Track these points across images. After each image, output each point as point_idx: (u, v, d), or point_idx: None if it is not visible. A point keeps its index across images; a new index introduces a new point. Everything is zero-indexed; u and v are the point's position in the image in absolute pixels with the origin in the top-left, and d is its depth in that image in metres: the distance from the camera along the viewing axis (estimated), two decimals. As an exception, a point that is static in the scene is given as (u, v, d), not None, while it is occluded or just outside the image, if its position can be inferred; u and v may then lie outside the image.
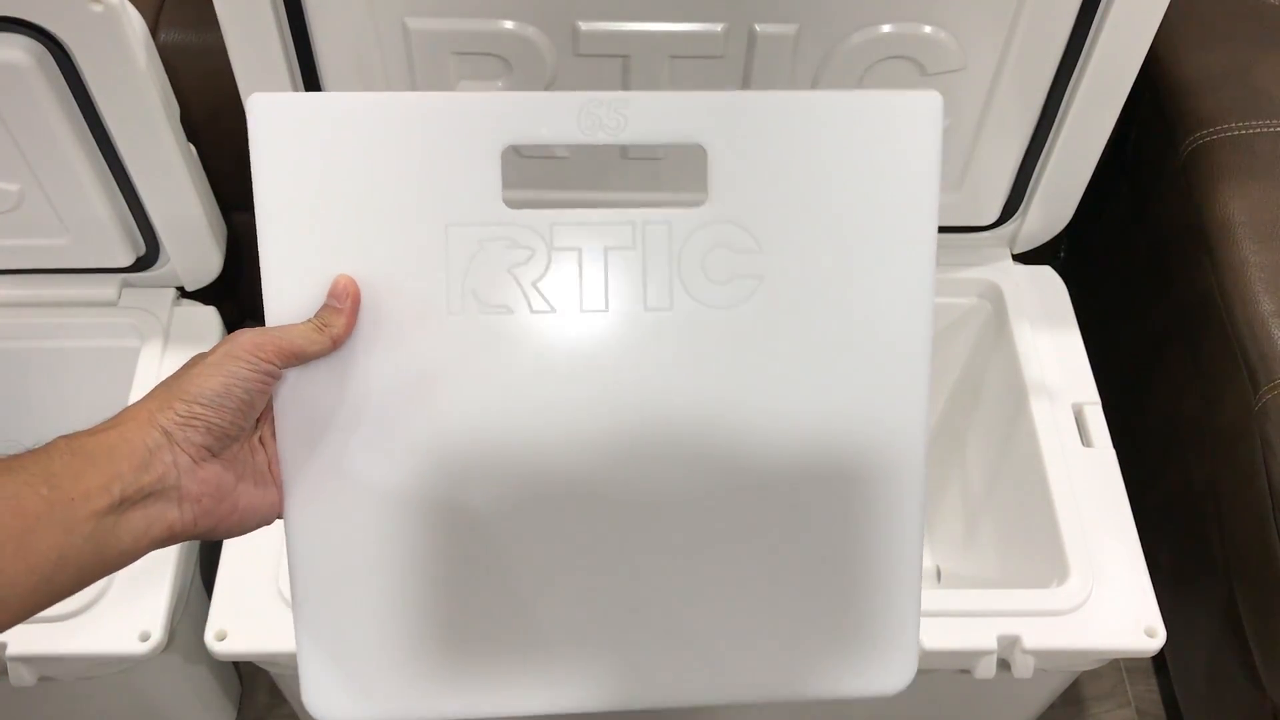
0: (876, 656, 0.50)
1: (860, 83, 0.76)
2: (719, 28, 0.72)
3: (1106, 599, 0.72)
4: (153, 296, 0.88)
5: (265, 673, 0.95)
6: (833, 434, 0.49)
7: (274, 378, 0.46)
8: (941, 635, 0.70)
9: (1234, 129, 0.90)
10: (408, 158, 0.47)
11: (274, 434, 0.48)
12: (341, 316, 0.47)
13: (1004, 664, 0.72)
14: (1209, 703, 0.96)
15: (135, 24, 0.71)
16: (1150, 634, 0.71)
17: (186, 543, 0.79)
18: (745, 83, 0.75)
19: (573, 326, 0.48)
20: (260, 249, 0.47)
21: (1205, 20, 0.96)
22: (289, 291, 0.47)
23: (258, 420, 0.48)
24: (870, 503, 0.49)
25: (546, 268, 0.47)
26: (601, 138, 0.46)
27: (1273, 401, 0.79)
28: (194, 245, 0.85)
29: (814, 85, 0.76)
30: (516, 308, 0.47)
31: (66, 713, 0.89)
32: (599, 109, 0.46)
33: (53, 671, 0.75)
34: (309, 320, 0.47)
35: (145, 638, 0.73)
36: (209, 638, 0.69)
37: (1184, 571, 0.93)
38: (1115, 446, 0.80)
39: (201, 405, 0.44)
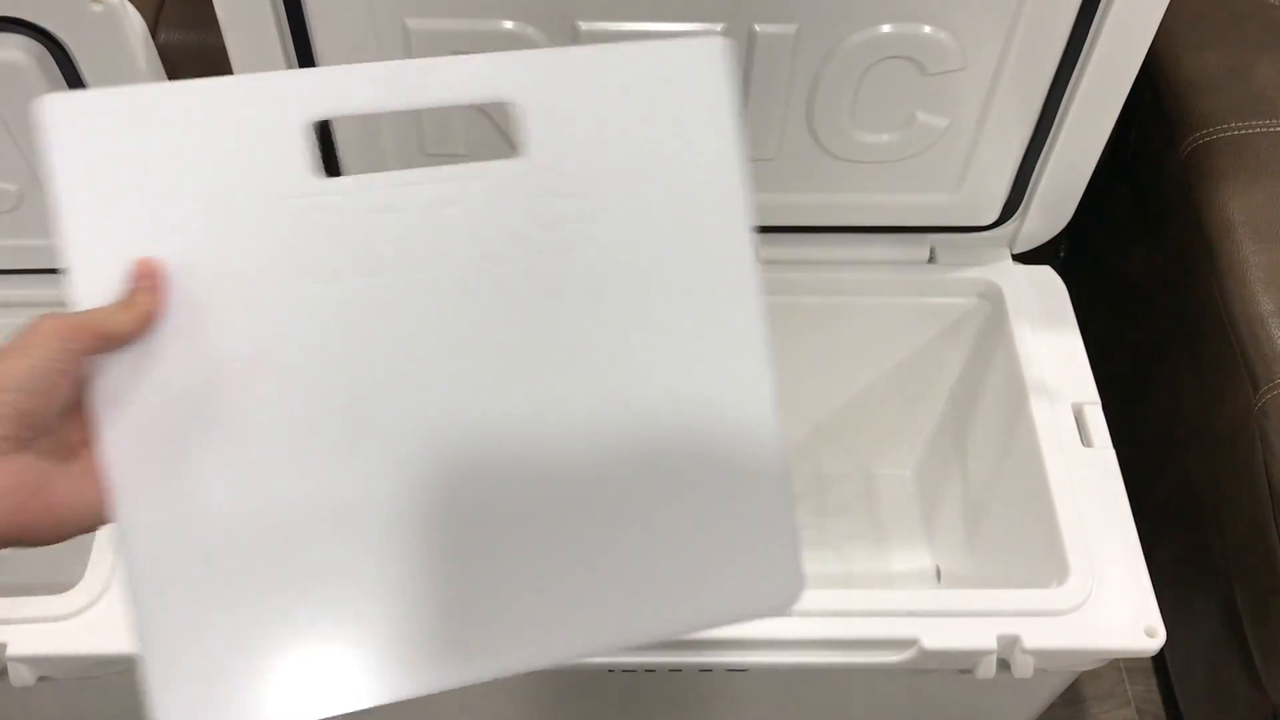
0: (763, 579, 0.51)
1: (861, 83, 0.76)
2: (719, 28, 0.72)
3: (1106, 599, 0.72)
4: (152, 296, 0.88)
5: (265, 673, 0.95)
6: (677, 371, 0.50)
7: (83, 362, 0.44)
8: (941, 635, 0.70)
9: (1234, 129, 0.90)
10: (211, 142, 0.46)
11: (92, 430, 0.46)
12: (147, 295, 0.45)
13: (1004, 664, 0.72)
14: (1209, 703, 0.96)
15: (135, 24, 0.71)
16: (1150, 634, 0.71)
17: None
18: (746, 83, 0.75)
19: (403, 287, 0.48)
20: (63, 250, 0.46)
21: (1205, 20, 0.96)
22: (96, 288, 0.45)
23: (69, 414, 0.45)
24: (726, 430, 0.50)
25: (371, 231, 0.47)
26: (405, 102, 0.47)
27: (1272, 401, 0.79)
28: (194, 245, 0.85)
29: (814, 85, 0.76)
30: (342, 275, 0.47)
31: (66, 713, 0.88)
32: (402, 76, 0.47)
33: (53, 671, 0.75)
34: (115, 302, 0.45)
35: (145, 638, 0.73)
36: (209, 638, 0.69)
37: (1184, 571, 0.93)
38: (1115, 446, 0.80)
39: (10, 391, 0.42)
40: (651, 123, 0.49)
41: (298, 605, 0.47)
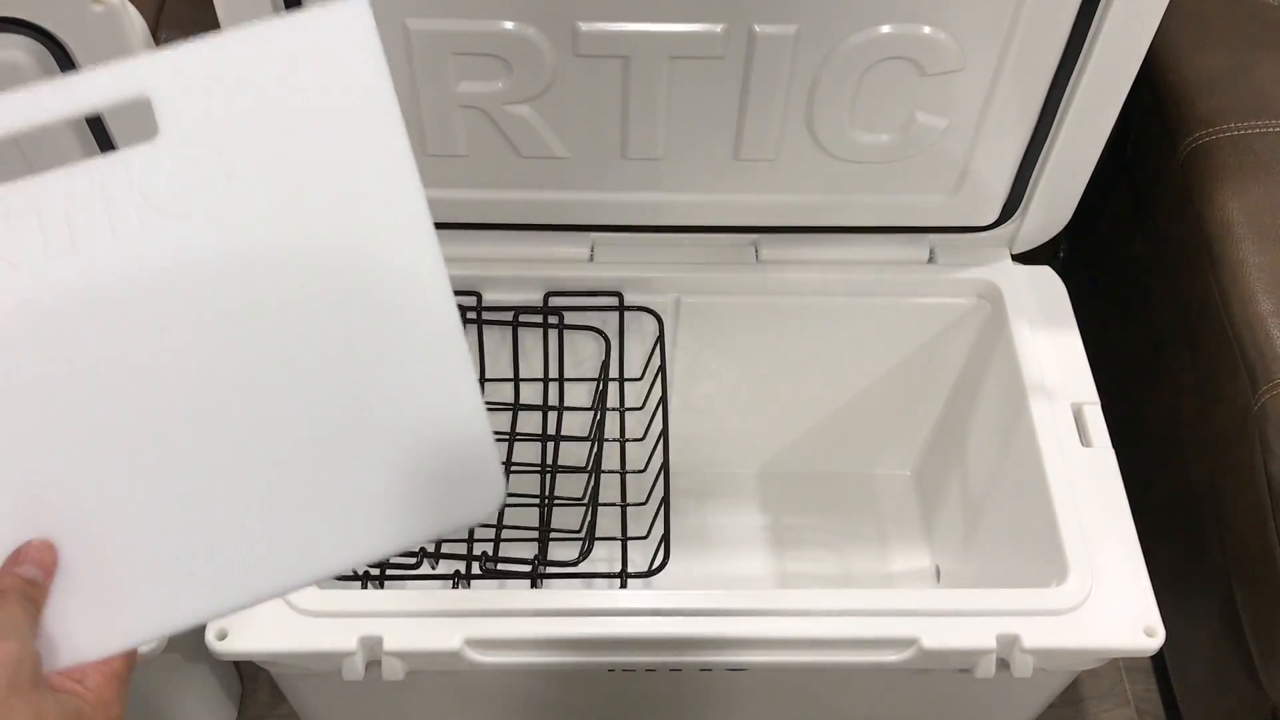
0: (462, 491, 0.51)
1: (860, 83, 0.76)
2: (719, 28, 0.72)
3: (1106, 598, 0.72)
4: (153, 296, 0.88)
5: (266, 672, 0.95)
6: (343, 317, 0.49)
7: None
8: (941, 635, 0.70)
9: (1234, 129, 0.90)
10: None
11: None
12: None
13: (1003, 663, 0.72)
14: (1208, 702, 0.96)
15: (135, 24, 0.72)
16: (1149, 633, 0.71)
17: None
18: (745, 85, 0.76)
19: (41, 277, 0.48)
20: None
21: (1204, 21, 0.96)
22: None
23: None
24: (404, 355, 0.50)
25: (6, 240, 0.48)
26: (42, 120, 0.48)
27: (1272, 402, 0.79)
28: (194, 245, 0.85)
29: (814, 86, 0.76)
30: None
31: None
32: (37, 97, 0.48)
33: None
34: None
35: (145, 637, 0.73)
36: (210, 637, 0.69)
37: (1184, 571, 0.93)
38: (1115, 446, 0.80)
39: None
40: (294, 94, 0.49)
41: None
